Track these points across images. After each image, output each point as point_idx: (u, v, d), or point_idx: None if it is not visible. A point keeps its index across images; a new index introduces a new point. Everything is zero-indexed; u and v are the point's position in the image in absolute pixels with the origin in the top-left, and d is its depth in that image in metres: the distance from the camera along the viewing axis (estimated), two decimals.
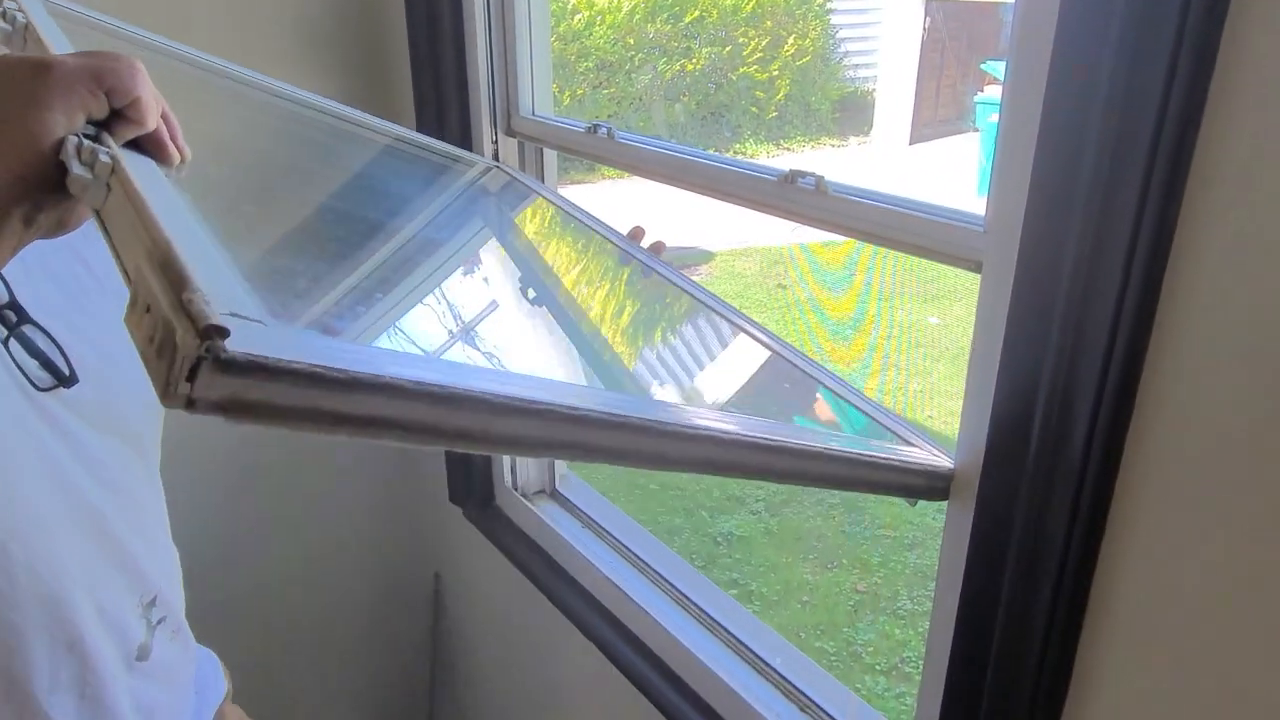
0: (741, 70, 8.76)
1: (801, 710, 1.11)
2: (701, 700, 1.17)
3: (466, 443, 0.46)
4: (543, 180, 1.39)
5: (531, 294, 1.07)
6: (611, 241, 1.07)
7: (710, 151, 1.06)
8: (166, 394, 0.36)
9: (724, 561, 3.58)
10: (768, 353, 0.97)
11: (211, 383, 0.36)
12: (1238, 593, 0.59)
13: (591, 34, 8.41)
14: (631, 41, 8.60)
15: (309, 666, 1.81)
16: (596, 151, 1.19)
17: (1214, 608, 0.61)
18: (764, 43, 8.74)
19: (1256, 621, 0.59)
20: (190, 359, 0.36)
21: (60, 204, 0.53)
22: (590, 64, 8.43)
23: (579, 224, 1.12)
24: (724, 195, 1.00)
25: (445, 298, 1.05)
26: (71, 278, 0.79)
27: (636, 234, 1.06)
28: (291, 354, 0.39)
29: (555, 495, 1.56)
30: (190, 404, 0.36)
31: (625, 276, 1.08)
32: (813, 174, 0.91)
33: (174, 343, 0.36)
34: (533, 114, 1.33)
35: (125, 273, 0.44)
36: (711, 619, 1.24)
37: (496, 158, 1.37)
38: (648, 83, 8.65)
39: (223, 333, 0.36)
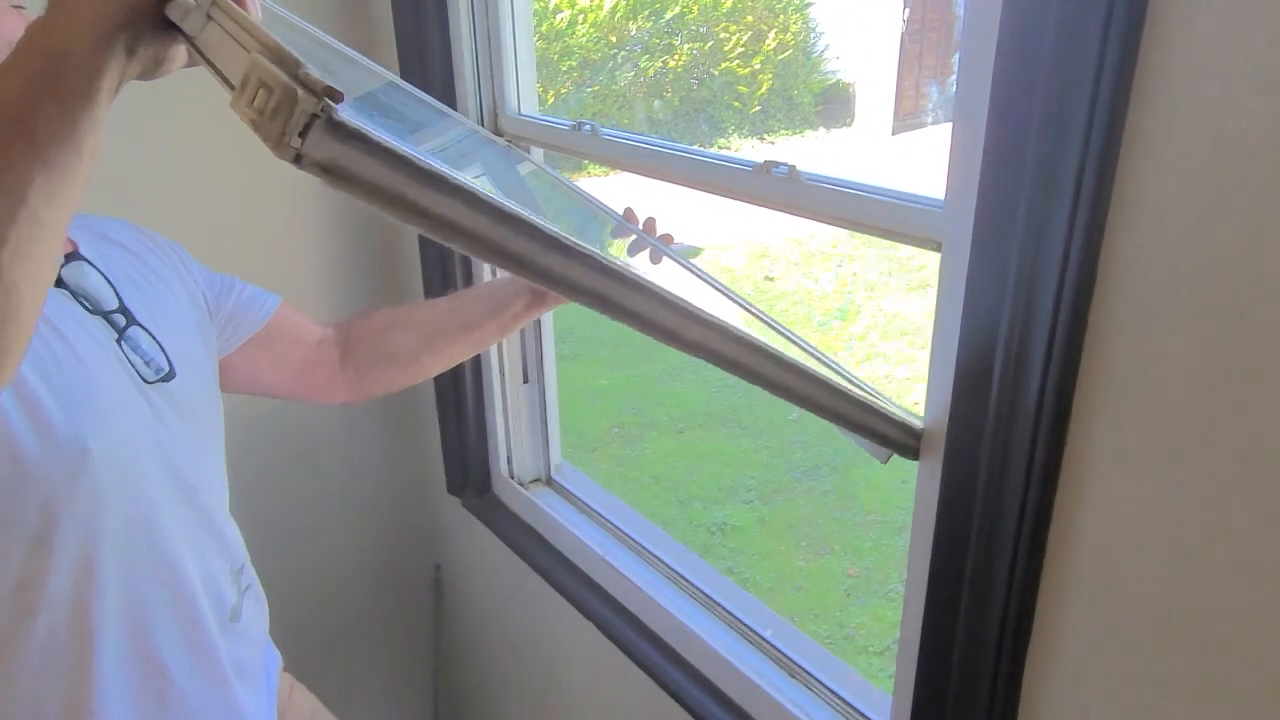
0: (724, 66, 8.81)
1: (791, 677, 1.16)
2: (699, 673, 1.23)
3: (519, 267, 0.52)
4: None
5: None
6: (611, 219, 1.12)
7: (694, 146, 1.11)
8: (279, 146, 0.42)
9: (718, 551, 3.63)
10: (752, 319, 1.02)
11: (320, 141, 0.42)
12: (1185, 531, 0.65)
13: (574, 33, 8.45)
14: (614, 39, 8.64)
15: (311, 661, 1.85)
16: (581, 148, 1.24)
17: (1162, 548, 0.67)
18: (745, 37, 8.80)
19: (1203, 559, 0.64)
20: (307, 114, 0.41)
21: (159, 38, 0.57)
22: (573, 62, 8.47)
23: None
24: (703, 186, 1.05)
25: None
26: (150, 286, 0.90)
27: (629, 216, 1.11)
28: (389, 140, 0.44)
29: (551, 483, 1.61)
30: (298, 159, 0.42)
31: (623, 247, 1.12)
32: (786, 163, 0.96)
33: (293, 100, 0.41)
34: (519, 113, 1.38)
35: (227, 81, 0.48)
36: (706, 595, 1.30)
37: None
38: (631, 80, 8.70)
39: (337, 96, 0.42)
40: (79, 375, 0.75)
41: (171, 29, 0.56)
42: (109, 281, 0.84)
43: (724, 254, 6.27)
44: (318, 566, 1.79)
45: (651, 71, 8.68)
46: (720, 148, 8.53)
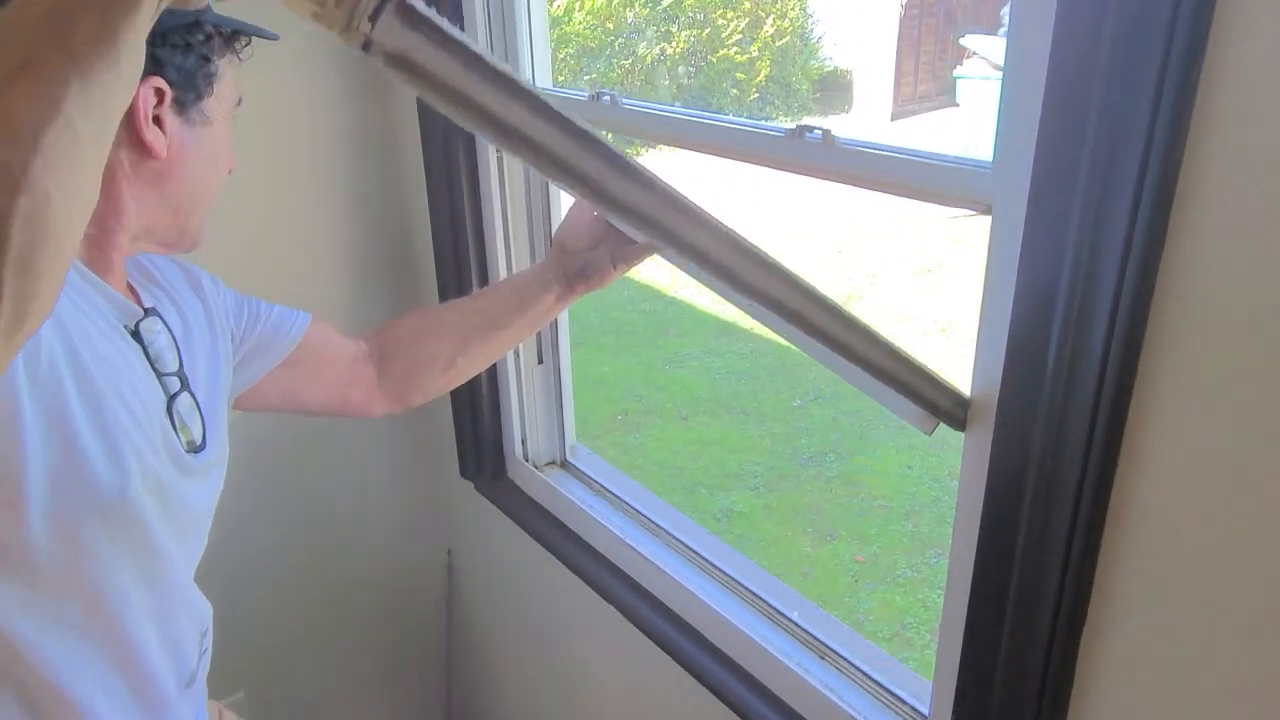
0: (721, 53, 8.77)
1: (821, 659, 1.14)
2: (726, 655, 1.20)
3: (584, 189, 0.50)
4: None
5: None
6: None
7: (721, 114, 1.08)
8: (347, 31, 0.40)
9: (724, 538, 3.59)
10: None
11: (391, 27, 0.40)
12: (1258, 516, 0.62)
13: (571, 20, 8.39)
14: (611, 26, 8.59)
15: (322, 647, 1.83)
16: (601, 120, 1.20)
17: (1230, 526, 0.64)
18: (743, 24, 8.75)
19: (1274, 540, 0.62)
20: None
21: None
22: (570, 50, 8.42)
23: None
24: (733, 154, 1.02)
25: None
26: (198, 347, 0.88)
27: None
28: (461, 35, 0.43)
29: (566, 465, 1.59)
30: (366, 45, 0.40)
31: None
32: (819, 128, 0.93)
33: None
34: (533, 84, 1.35)
35: None
36: (730, 577, 1.27)
37: None
38: (628, 67, 8.65)
39: None
40: (128, 426, 0.74)
41: None
42: (175, 341, 0.84)
43: None
44: (329, 550, 1.77)
45: (649, 59, 8.63)
46: None
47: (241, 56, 0.83)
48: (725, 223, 0.58)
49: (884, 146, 0.87)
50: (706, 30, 8.77)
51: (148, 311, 0.82)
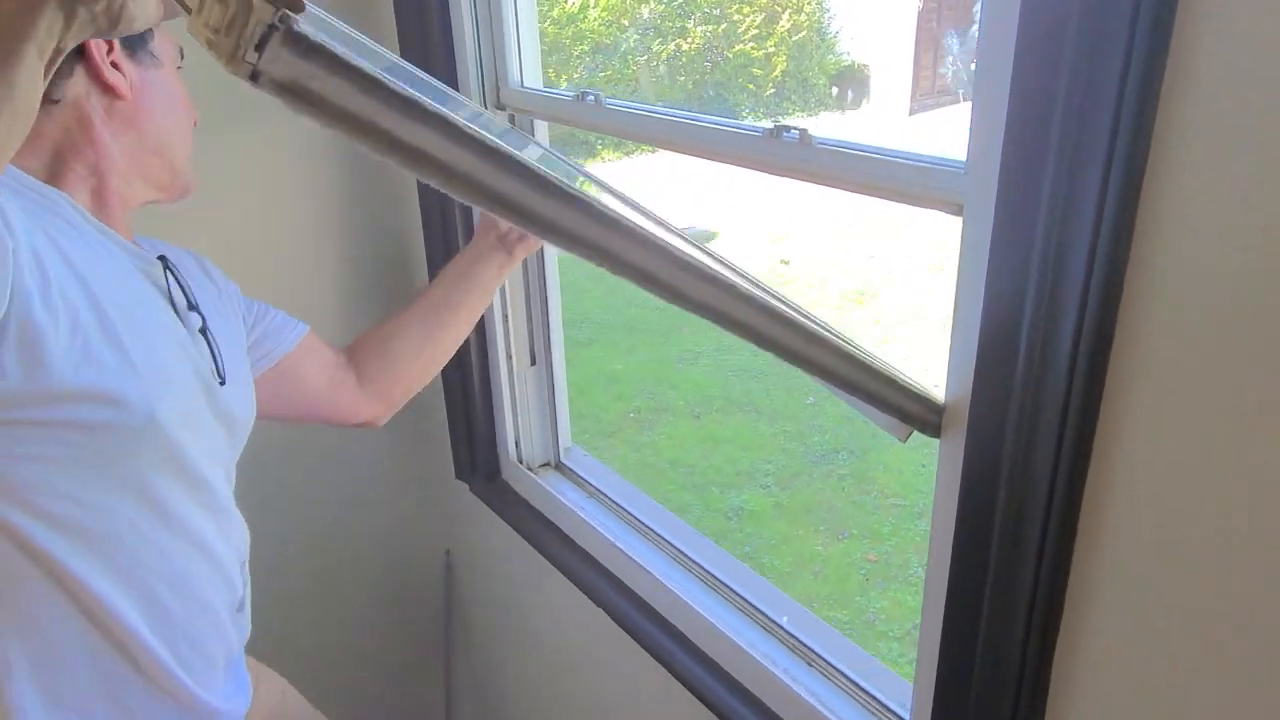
0: (738, 48, 8.72)
1: (809, 665, 1.12)
2: (712, 660, 1.19)
3: (505, 209, 0.47)
4: None
5: None
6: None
7: (702, 114, 1.06)
8: (233, 61, 0.38)
9: (735, 536, 3.60)
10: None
11: (278, 56, 0.38)
12: (1230, 515, 0.60)
13: (586, 17, 8.38)
14: (626, 23, 8.57)
15: (322, 646, 1.83)
16: (586, 119, 1.19)
17: (1201, 527, 0.62)
18: (759, 19, 8.70)
19: (1249, 545, 0.60)
20: (263, 25, 0.37)
21: None
22: (585, 47, 8.41)
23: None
24: (711, 154, 1.00)
25: None
26: (211, 300, 0.94)
27: None
28: (362, 59, 0.40)
29: (560, 467, 1.58)
30: (255, 76, 0.38)
31: None
32: (797, 128, 0.91)
33: (249, 10, 0.37)
34: (521, 86, 1.34)
35: (186, 4, 0.44)
36: (719, 580, 1.26)
37: None
38: (643, 63, 8.62)
39: (298, 7, 0.38)
40: (152, 355, 0.78)
41: None
42: (185, 289, 0.89)
43: (739, 238, 6.21)
44: (327, 553, 1.77)
45: (664, 55, 8.60)
46: None
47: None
48: (672, 235, 0.56)
49: (861, 146, 0.85)
50: (723, 25, 8.73)
51: (158, 259, 0.87)
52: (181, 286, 0.86)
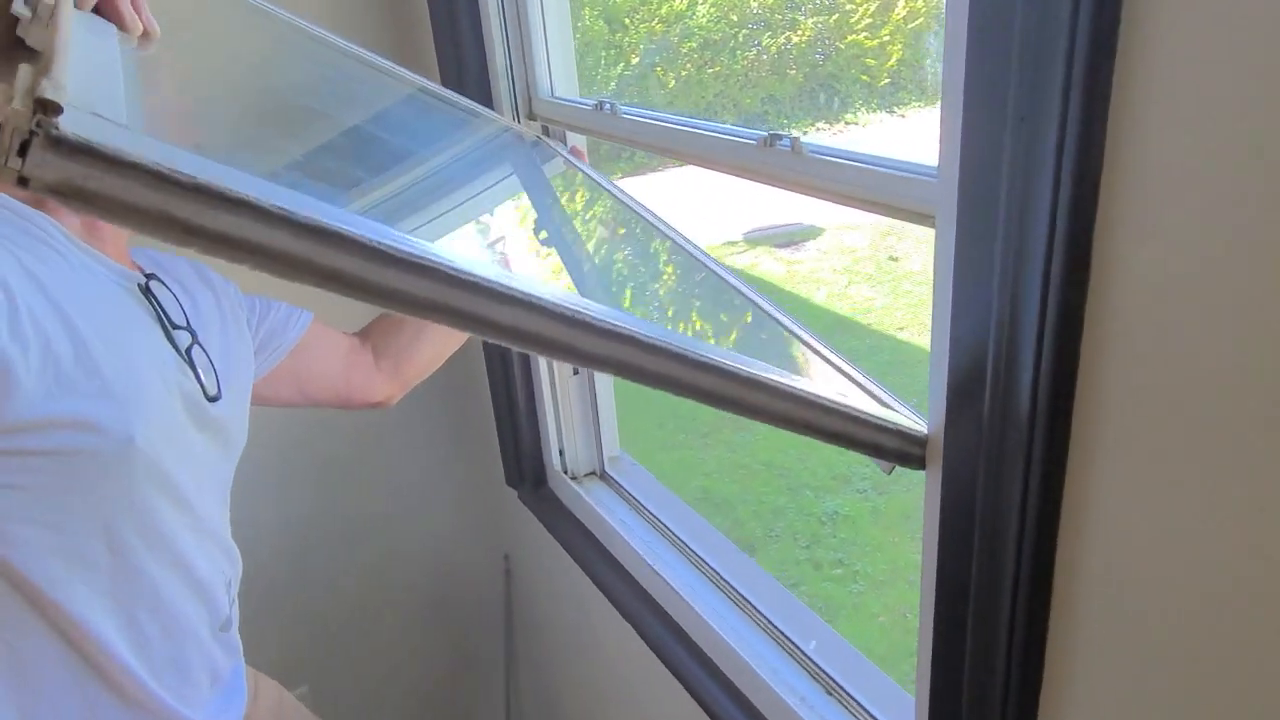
0: (850, 39, 8.49)
1: (828, 694, 1.07)
2: (733, 685, 1.15)
3: (338, 286, 0.44)
4: None
5: (544, 235, 1.10)
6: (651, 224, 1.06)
7: (709, 121, 1.03)
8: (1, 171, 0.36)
9: (828, 541, 3.51)
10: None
11: (43, 161, 0.36)
12: (1199, 525, 0.54)
13: (694, 14, 8.34)
14: (735, 18, 8.48)
15: (385, 646, 1.88)
16: (602, 128, 1.17)
17: (1178, 551, 0.55)
18: (872, 8, 8.44)
19: (1221, 555, 0.53)
20: (22, 132, 0.35)
21: (15, 56, 0.52)
22: (693, 44, 8.36)
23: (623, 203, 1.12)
24: (709, 163, 0.97)
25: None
26: (209, 310, 0.95)
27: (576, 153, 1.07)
28: (139, 152, 0.38)
29: (604, 477, 1.57)
30: (22, 181, 0.36)
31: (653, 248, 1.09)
32: (790, 135, 0.87)
33: (11, 107, 0.36)
34: (551, 96, 1.33)
35: None
36: (748, 601, 1.21)
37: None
38: (753, 58, 8.51)
39: (54, 108, 0.36)
40: (133, 375, 0.77)
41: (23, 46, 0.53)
42: (180, 304, 0.89)
43: (847, 234, 6.05)
44: (391, 555, 1.82)
45: (774, 48, 8.47)
46: (847, 123, 8.25)
47: None
48: (540, 292, 0.50)
49: (846, 154, 0.80)
50: (834, 16, 8.52)
51: (149, 276, 0.86)
52: (163, 307, 0.85)
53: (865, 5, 8.45)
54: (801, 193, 0.85)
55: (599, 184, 1.16)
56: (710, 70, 8.33)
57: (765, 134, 0.89)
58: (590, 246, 1.15)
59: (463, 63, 1.36)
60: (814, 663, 1.10)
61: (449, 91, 1.26)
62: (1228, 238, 0.47)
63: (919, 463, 0.73)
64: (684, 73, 8.33)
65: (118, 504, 0.78)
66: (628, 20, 8.53)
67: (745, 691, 1.13)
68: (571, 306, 0.51)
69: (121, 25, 0.59)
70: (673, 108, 8.27)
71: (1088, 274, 0.55)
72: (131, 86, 0.51)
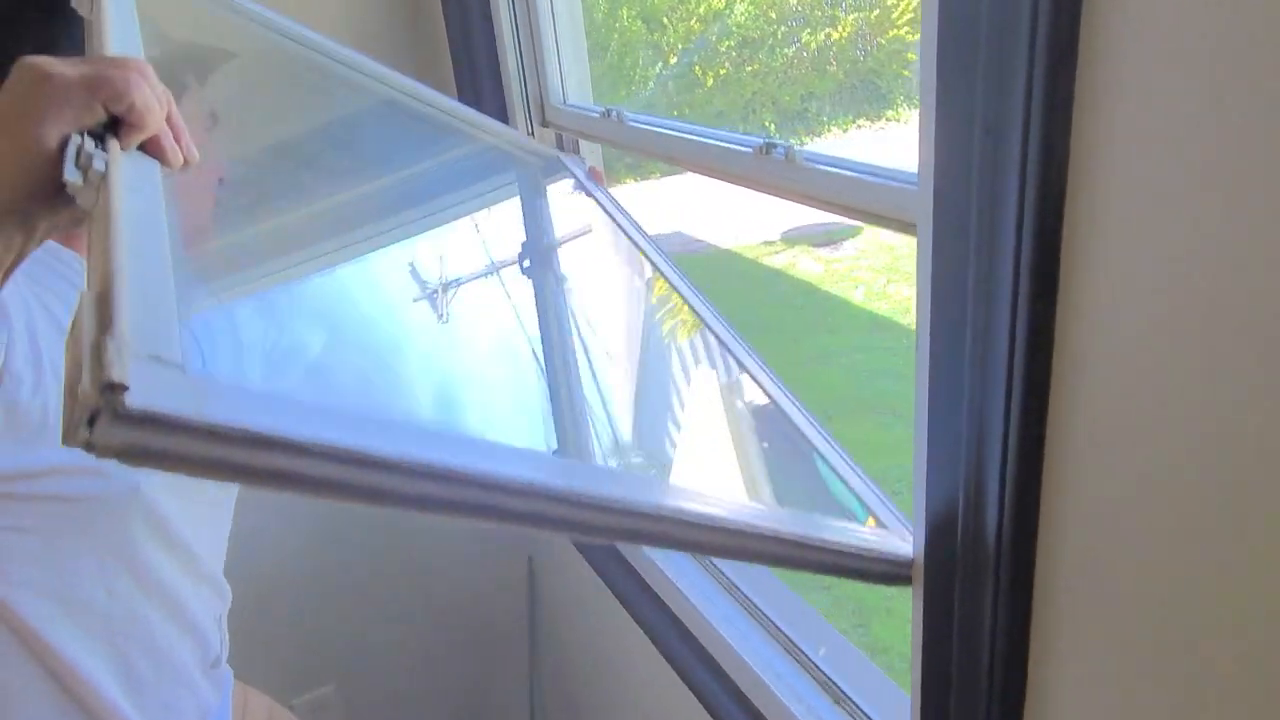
0: (891, 34, 8.40)
1: (836, 704, 1.07)
2: (736, 687, 1.15)
3: (380, 500, 0.46)
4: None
5: (527, 263, 1.09)
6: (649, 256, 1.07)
7: (708, 129, 1.03)
8: (68, 434, 0.38)
9: None
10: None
11: (110, 432, 0.38)
12: (1174, 570, 0.53)
13: (733, 12, 8.31)
14: (774, 15, 8.44)
15: (409, 646, 1.91)
16: (609, 135, 1.18)
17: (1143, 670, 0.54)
18: (914, 3, 8.34)
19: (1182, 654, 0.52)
20: (90, 408, 0.37)
21: (62, 209, 0.54)
22: (732, 42, 8.34)
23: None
24: (710, 171, 0.97)
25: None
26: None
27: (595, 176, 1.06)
28: (194, 408, 0.40)
29: None
30: (90, 447, 0.38)
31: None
32: (784, 144, 0.87)
33: (74, 396, 0.38)
34: (564, 103, 1.34)
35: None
36: (755, 605, 1.21)
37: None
38: (792, 55, 8.46)
39: (119, 389, 0.38)
40: None
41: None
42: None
43: (886, 232, 5.97)
44: (414, 555, 1.84)
45: (814, 45, 8.41)
46: (887, 119, 8.16)
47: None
48: (534, 479, 0.50)
49: (836, 161, 0.80)
50: (875, 11, 8.43)
51: None
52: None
53: (906, 0, 8.35)
54: (797, 201, 0.85)
55: (606, 210, 1.16)
56: (749, 68, 8.30)
57: (761, 142, 0.89)
58: (574, 289, 1.14)
59: (476, 71, 1.38)
60: (823, 671, 1.10)
61: (456, 104, 1.26)
62: (1198, 266, 0.47)
63: (906, 580, 0.72)
64: (722, 71, 8.31)
65: (117, 548, 0.78)
66: (666, 20, 8.53)
67: (750, 695, 1.13)
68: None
69: (165, 163, 0.59)
70: (711, 106, 8.26)
71: (1055, 295, 0.54)
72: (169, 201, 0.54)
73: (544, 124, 1.37)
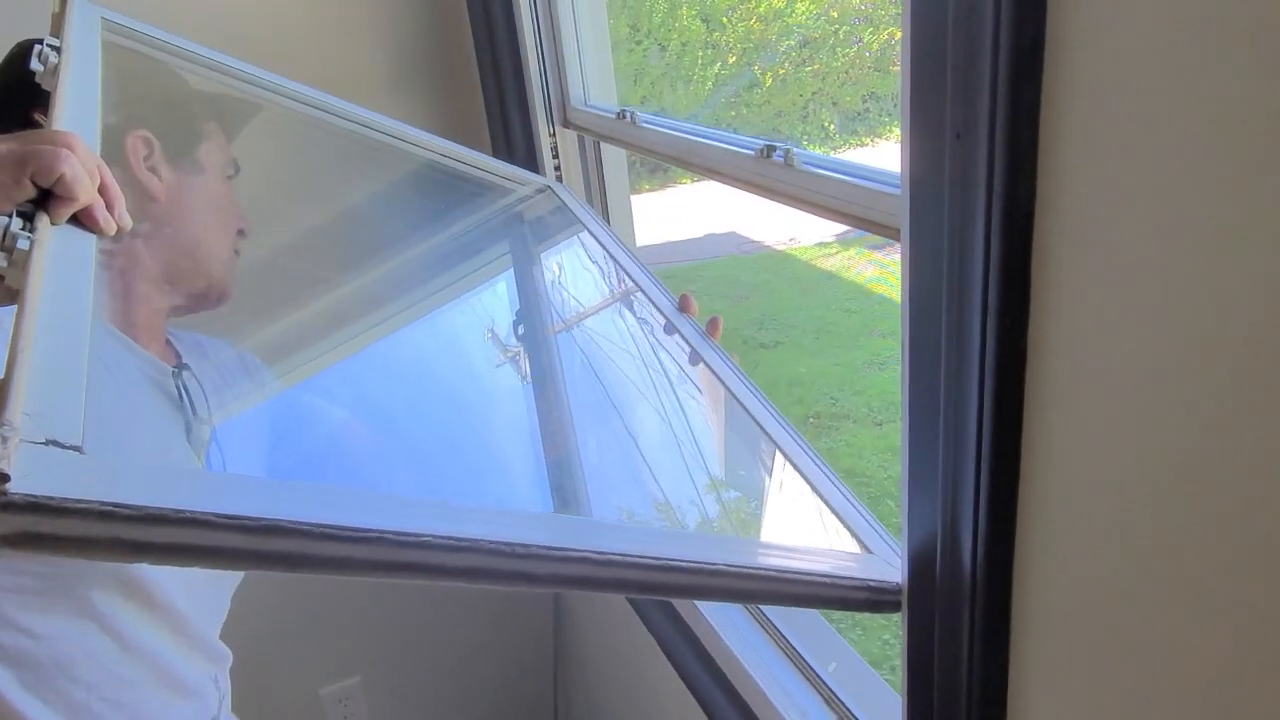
0: None
1: None
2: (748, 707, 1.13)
3: (289, 565, 0.46)
4: (605, 193, 1.39)
5: (520, 330, 1.08)
6: (648, 299, 1.05)
7: (716, 130, 1.01)
8: None
9: None
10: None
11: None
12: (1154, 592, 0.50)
13: (793, 11, 8.22)
14: (835, 15, 8.32)
15: (434, 641, 1.92)
16: (623, 136, 1.17)
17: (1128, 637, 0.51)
18: None
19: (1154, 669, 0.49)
20: None
21: None
22: (792, 42, 8.25)
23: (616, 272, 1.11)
24: (714, 174, 0.95)
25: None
26: (244, 397, 0.94)
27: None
28: (84, 490, 0.40)
29: None
30: None
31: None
32: (784, 148, 0.85)
33: None
34: (585, 105, 1.34)
35: None
36: (768, 619, 1.19)
37: (558, 169, 1.38)
38: (854, 55, 8.34)
39: (2, 478, 0.38)
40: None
41: None
42: (205, 394, 0.87)
43: None
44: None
45: (876, 45, 8.28)
46: None
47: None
48: (465, 535, 0.49)
49: (830, 163, 0.78)
50: None
51: (180, 366, 0.85)
52: (191, 400, 0.82)
53: None
54: (795, 206, 0.82)
55: (616, 258, 1.14)
56: (809, 68, 8.20)
57: (763, 145, 0.87)
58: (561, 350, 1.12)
59: (500, 72, 1.38)
60: (829, 688, 1.07)
61: (483, 156, 1.26)
62: (1165, 280, 0.44)
63: (894, 607, 0.70)
64: (782, 71, 8.23)
65: (99, 609, 0.75)
66: (725, 19, 8.48)
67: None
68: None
69: (99, 233, 0.59)
70: (770, 106, 8.18)
71: (1027, 308, 0.51)
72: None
73: (565, 124, 1.37)
